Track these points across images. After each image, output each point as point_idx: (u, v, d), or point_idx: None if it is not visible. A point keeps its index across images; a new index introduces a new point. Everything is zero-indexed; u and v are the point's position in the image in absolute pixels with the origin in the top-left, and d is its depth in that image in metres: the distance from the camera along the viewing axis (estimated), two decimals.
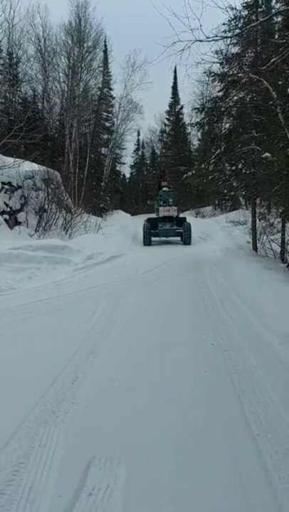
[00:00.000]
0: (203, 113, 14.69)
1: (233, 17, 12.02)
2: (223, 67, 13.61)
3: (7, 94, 24.62)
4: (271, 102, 10.22)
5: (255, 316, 5.59)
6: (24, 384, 3.52)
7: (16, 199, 14.04)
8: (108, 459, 2.47)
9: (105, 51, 32.44)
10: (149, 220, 17.68)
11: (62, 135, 26.91)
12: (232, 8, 11.56)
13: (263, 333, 4.86)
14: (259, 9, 12.94)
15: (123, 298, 6.85)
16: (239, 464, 2.47)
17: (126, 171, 47.41)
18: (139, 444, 2.66)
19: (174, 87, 41.20)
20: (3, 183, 13.60)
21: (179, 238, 17.33)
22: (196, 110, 16.00)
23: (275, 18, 11.45)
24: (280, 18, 11.25)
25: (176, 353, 4.31)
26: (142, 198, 43.86)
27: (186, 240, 16.75)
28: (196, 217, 29.25)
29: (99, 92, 32.45)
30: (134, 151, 47.89)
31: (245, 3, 13.36)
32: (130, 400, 3.29)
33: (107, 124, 34.66)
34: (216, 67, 13.63)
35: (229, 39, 11.09)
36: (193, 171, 17.94)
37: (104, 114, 34.36)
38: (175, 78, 39.88)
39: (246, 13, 13.08)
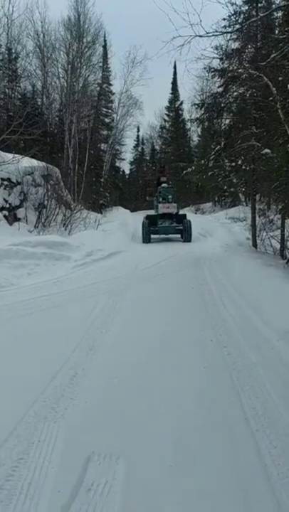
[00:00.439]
0: (203, 109, 14.68)
1: (233, 12, 11.99)
2: (223, 63, 13.57)
3: (6, 89, 24.52)
4: (271, 98, 10.20)
5: (255, 312, 5.59)
6: (24, 380, 3.53)
7: (16, 195, 14.01)
8: (107, 454, 2.48)
9: (105, 46, 32.34)
10: (148, 217, 17.36)
11: (62, 131, 26.83)
12: (232, 4, 11.55)
13: (263, 330, 4.86)
14: (259, 4, 12.87)
15: (122, 295, 6.85)
16: (238, 459, 2.47)
17: (125, 167, 47.39)
18: (138, 440, 2.67)
19: (174, 83, 41.10)
20: (2, 179, 13.57)
21: (179, 235, 17.02)
22: (196, 106, 15.97)
23: (275, 13, 11.44)
24: (280, 14, 11.23)
25: (175, 350, 4.31)
26: (141, 194, 43.77)
27: (187, 238, 16.42)
28: (195, 213, 29.25)
29: (98, 88, 32.36)
30: (134, 147, 47.83)
31: None
32: (129, 396, 3.29)
33: (107, 120, 34.58)
34: (216, 63, 13.59)
35: (229, 34, 11.03)
36: (193, 167, 17.95)
37: (104, 109, 34.27)
38: (175, 74, 39.77)
39: (246, 8, 13.04)
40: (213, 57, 11.52)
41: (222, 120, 15.48)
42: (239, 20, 12.17)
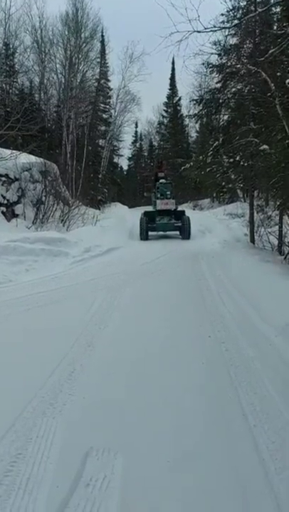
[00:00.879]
0: (201, 105, 14.62)
1: (231, 7, 11.98)
2: (221, 59, 13.52)
3: (3, 85, 24.41)
4: (269, 94, 10.18)
5: (253, 309, 5.60)
6: (22, 376, 3.54)
7: (13, 191, 13.98)
8: (106, 449, 2.49)
9: (102, 42, 32.13)
10: (146, 214, 16.98)
11: (60, 127, 26.73)
12: None
13: (261, 326, 4.87)
14: None
15: (121, 291, 6.85)
16: (237, 454, 2.48)
17: (124, 163, 47.32)
18: (136, 435, 2.68)
19: (172, 79, 40.89)
20: (0, 176, 13.54)
21: (177, 232, 16.70)
22: (194, 102, 15.90)
23: (273, 8, 11.37)
24: (278, 9, 11.17)
25: (173, 346, 4.32)
26: (139, 190, 43.74)
27: (185, 235, 16.11)
28: (193, 209, 29.20)
29: (96, 84, 32.23)
30: (132, 143, 47.67)
31: None
32: (127, 392, 3.30)
33: (105, 116, 34.44)
34: (214, 59, 13.52)
35: (227, 30, 10.95)
36: (191, 163, 17.86)
37: (102, 105, 34.13)
38: (173, 69, 39.54)
39: (244, 3, 12.96)
40: (212, 53, 11.49)
41: (220, 116, 15.44)
42: (237, 16, 12.14)
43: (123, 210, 28.09)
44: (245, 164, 13.06)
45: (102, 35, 31.64)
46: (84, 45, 28.14)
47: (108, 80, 34.12)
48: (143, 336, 4.66)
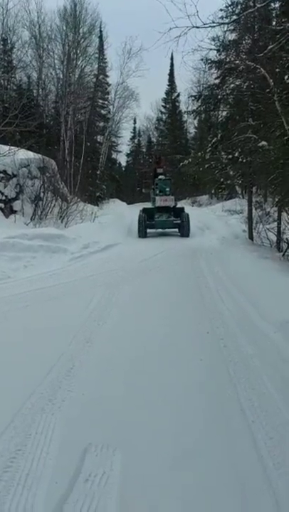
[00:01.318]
0: (199, 101, 14.58)
1: (230, 3, 11.91)
2: (220, 54, 13.50)
3: (1, 80, 24.33)
4: (268, 90, 10.17)
5: (252, 305, 5.61)
6: (21, 372, 3.54)
7: (12, 187, 13.95)
8: (104, 446, 2.49)
9: (101, 37, 32.00)
10: (144, 211, 16.58)
11: (58, 123, 26.67)
12: None
13: (260, 323, 4.88)
14: None
15: (119, 287, 6.85)
16: (235, 450, 2.49)
17: (122, 159, 47.13)
18: (135, 432, 2.69)
19: (171, 75, 40.71)
20: None
21: (176, 230, 16.33)
22: (193, 98, 15.83)
23: (272, 4, 11.34)
24: (277, 5, 11.15)
25: (172, 343, 4.32)
26: (138, 186, 43.70)
27: (185, 232, 15.73)
28: (192, 206, 29.19)
29: (94, 79, 32.13)
30: (131, 139, 47.51)
31: None
32: (126, 388, 3.31)
33: (103, 112, 34.37)
34: (213, 54, 13.50)
35: (226, 25, 10.93)
36: (190, 160, 17.84)
37: (100, 101, 34.05)
38: (172, 65, 39.41)
39: None
40: (210, 49, 11.43)
41: (219, 112, 15.44)
42: (236, 11, 12.07)
43: (121, 207, 28.06)
44: (244, 160, 13.06)
45: (101, 31, 31.54)
46: (82, 40, 28.08)
47: (106, 76, 34.04)
48: (141, 332, 4.66)
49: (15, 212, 13.80)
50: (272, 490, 2.16)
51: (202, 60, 13.18)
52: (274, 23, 11.60)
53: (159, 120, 43.93)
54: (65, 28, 27.28)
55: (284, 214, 11.71)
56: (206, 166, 14.83)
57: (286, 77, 9.15)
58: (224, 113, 15.11)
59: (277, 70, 9.87)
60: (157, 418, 2.85)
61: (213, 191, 31.02)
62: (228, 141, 12.94)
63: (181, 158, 25.07)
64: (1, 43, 25.04)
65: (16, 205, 13.97)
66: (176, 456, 2.44)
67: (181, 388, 3.28)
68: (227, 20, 10.80)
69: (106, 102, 34.52)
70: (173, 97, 41.34)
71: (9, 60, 25.48)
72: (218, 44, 12.67)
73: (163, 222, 16.47)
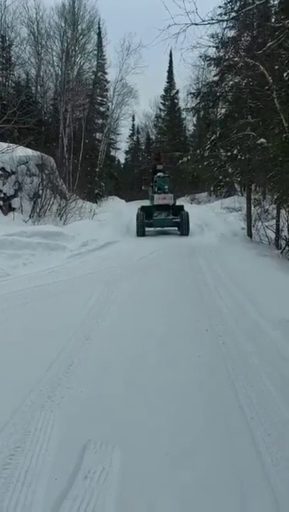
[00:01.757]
0: (198, 98, 14.59)
1: (229, 0, 11.88)
2: (218, 52, 13.50)
3: (0, 77, 24.25)
4: (267, 87, 10.16)
5: (250, 303, 5.61)
6: (20, 369, 3.54)
7: (10, 185, 13.94)
8: (103, 442, 2.50)
9: (99, 34, 31.96)
10: (143, 209, 16.44)
11: (57, 120, 26.62)
12: None
13: (258, 321, 4.88)
14: None
15: (118, 285, 6.85)
16: (234, 447, 2.50)
17: (121, 156, 47.14)
18: (133, 428, 2.69)
19: (170, 72, 40.68)
20: None
21: (175, 228, 16.17)
22: (192, 95, 15.88)
23: (271, 1, 11.34)
24: (276, 1, 11.14)
25: (171, 340, 4.33)
26: (137, 183, 43.61)
27: (184, 231, 15.58)
28: (191, 203, 29.19)
29: (93, 76, 32.06)
30: (129, 136, 47.52)
31: None
32: (125, 385, 3.31)
33: (102, 109, 34.33)
34: (212, 52, 13.50)
35: (225, 22, 10.90)
36: (189, 157, 17.83)
37: (99, 98, 33.99)
38: (170, 62, 39.38)
39: None
40: (209, 46, 11.44)
41: (218, 109, 15.42)
42: (235, 8, 12.11)
43: (120, 204, 28.06)
44: (243, 158, 13.07)
45: (99, 27, 31.51)
46: (81, 37, 28.05)
47: (105, 73, 33.99)
48: (140, 329, 4.66)
49: (13, 209, 13.79)
50: (271, 487, 2.16)
51: (201, 57, 13.24)
52: (273, 20, 11.55)
53: (158, 117, 43.94)
54: (63, 24, 27.28)
55: (282, 211, 11.71)
56: (205, 163, 14.85)
57: (285, 74, 9.13)
58: (223, 110, 15.10)
59: (276, 67, 9.86)
60: (156, 415, 2.86)
61: (212, 189, 31.03)
62: (227, 139, 12.95)
63: (180, 156, 25.05)
64: (0, 39, 24.95)
65: (15, 202, 13.96)
66: (175, 452, 2.45)
67: (180, 386, 3.28)
68: (226, 18, 10.77)
69: (105, 99, 34.50)
70: (172, 94, 41.31)
71: (7, 57, 25.43)
72: (217, 41, 12.69)
73: (162, 220, 16.26)
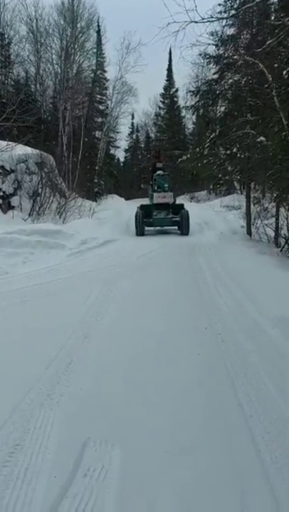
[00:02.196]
0: (198, 96, 14.56)
1: None
2: (218, 49, 13.48)
3: None
4: (266, 85, 10.15)
5: (250, 301, 5.61)
6: (19, 368, 3.54)
7: (9, 183, 13.94)
8: (103, 441, 2.50)
9: (99, 32, 31.90)
10: (142, 207, 16.10)
11: (56, 118, 26.58)
12: None
13: (258, 319, 4.88)
14: None
15: (117, 283, 6.85)
16: (233, 445, 2.50)
17: (120, 154, 47.07)
18: (133, 427, 2.69)
19: (169, 70, 40.67)
20: None
21: (176, 227, 15.83)
22: (191, 93, 15.81)
23: None
24: None
25: (170, 338, 4.33)
26: (136, 182, 43.66)
27: (184, 230, 15.27)
28: (190, 201, 29.20)
29: (92, 74, 32.02)
30: (129, 134, 47.45)
31: None
32: (124, 384, 3.31)
33: (101, 107, 34.29)
34: (211, 49, 13.47)
35: (225, 20, 10.93)
36: (188, 155, 17.74)
37: (98, 96, 33.95)
38: (170, 60, 39.38)
39: None
40: (209, 44, 11.44)
41: (217, 107, 15.40)
42: (235, 6, 12.07)
43: (120, 202, 28.05)
44: (242, 156, 13.04)
45: (99, 25, 31.46)
46: (80, 35, 28.00)
47: (105, 71, 33.93)
48: (139, 328, 4.66)
49: (13, 207, 13.79)
50: (270, 484, 2.17)
51: (200, 55, 13.21)
52: (273, 17, 11.54)
53: (158, 115, 43.88)
54: (62, 22, 27.24)
55: (282, 209, 11.72)
56: (205, 161, 14.80)
57: (285, 72, 9.12)
58: (222, 108, 15.08)
59: (275, 65, 9.85)
60: (155, 413, 2.86)
61: (211, 187, 31.08)
62: (227, 137, 12.92)
63: (180, 154, 25.00)
64: None
65: (14, 200, 13.96)
66: (174, 450, 2.45)
67: (180, 384, 3.29)
68: (225, 15, 10.80)
69: (104, 98, 34.45)
70: (171, 92, 41.27)
71: (7, 55, 25.39)
72: (217, 39, 12.68)
73: (161, 219, 15.97)
